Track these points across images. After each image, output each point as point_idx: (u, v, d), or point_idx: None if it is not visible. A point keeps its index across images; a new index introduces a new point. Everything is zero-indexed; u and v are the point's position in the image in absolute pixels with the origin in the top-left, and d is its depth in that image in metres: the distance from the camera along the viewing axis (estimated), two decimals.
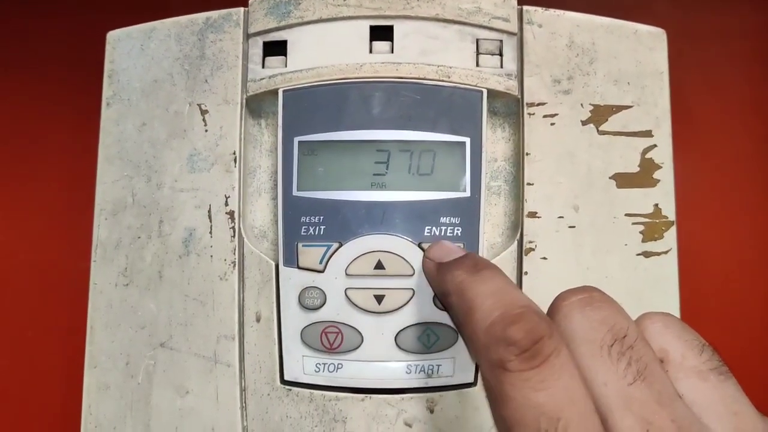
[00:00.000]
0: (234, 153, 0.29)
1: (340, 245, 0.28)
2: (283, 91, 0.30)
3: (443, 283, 0.24)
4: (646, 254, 0.29)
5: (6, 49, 0.45)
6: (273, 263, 0.29)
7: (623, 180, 0.29)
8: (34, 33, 0.45)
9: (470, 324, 0.21)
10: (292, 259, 0.28)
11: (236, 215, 0.29)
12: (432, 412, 0.28)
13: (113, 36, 0.31)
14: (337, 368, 0.28)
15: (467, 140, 0.29)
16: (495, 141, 0.31)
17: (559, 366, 0.18)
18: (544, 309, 0.21)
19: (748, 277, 0.44)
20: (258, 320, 0.28)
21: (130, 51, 0.31)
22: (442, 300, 0.25)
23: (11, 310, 0.43)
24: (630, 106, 0.30)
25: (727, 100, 0.47)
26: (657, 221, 0.29)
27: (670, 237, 0.29)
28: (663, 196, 0.30)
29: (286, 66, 0.30)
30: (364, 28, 0.30)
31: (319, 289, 0.28)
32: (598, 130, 0.30)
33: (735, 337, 0.43)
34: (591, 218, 0.29)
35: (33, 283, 0.42)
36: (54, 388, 0.42)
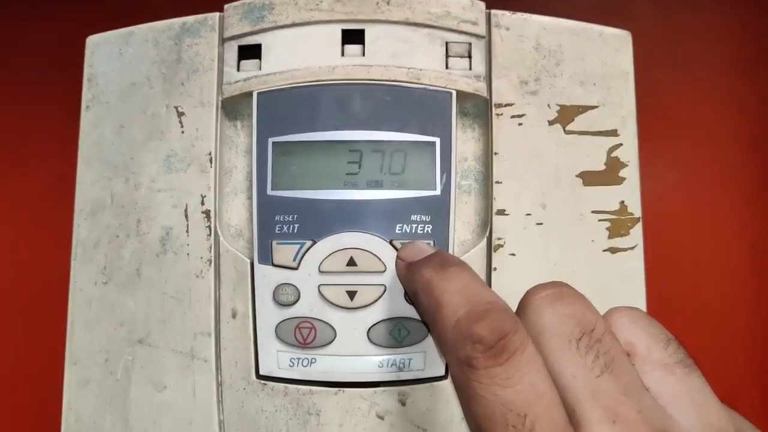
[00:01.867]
0: (210, 154, 0.30)
1: (314, 243, 0.29)
2: (258, 94, 0.30)
3: (412, 282, 0.24)
4: (613, 250, 0.30)
5: None
6: (248, 261, 0.29)
7: (590, 178, 0.30)
8: (17, 36, 0.46)
9: (438, 322, 0.21)
10: (266, 256, 0.29)
11: (212, 214, 0.30)
12: (404, 404, 0.28)
13: (92, 41, 0.32)
14: (311, 363, 0.28)
15: (437, 140, 0.30)
16: (465, 141, 0.31)
17: (525, 362, 0.19)
18: (514, 304, 0.22)
19: (713, 271, 0.45)
20: (234, 316, 0.29)
21: (109, 55, 0.32)
22: (412, 299, 0.25)
23: None
24: (596, 106, 0.31)
25: (704, 98, 0.48)
26: (623, 218, 0.30)
27: (636, 233, 0.30)
28: (629, 193, 0.30)
29: (260, 69, 0.31)
30: (336, 31, 0.31)
31: (293, 285, 0.29)
32: (564, 130, 0.30)
33: (700, 330, 0.44)
34: (558, 215, 0.30)
35: (14, 282, 0.43)
36: (35, 384, 0.42)
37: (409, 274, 0.25)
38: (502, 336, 0.19)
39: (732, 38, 0.48)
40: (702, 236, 0.46)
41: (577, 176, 0.30)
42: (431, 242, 0.29)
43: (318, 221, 0.29)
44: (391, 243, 0.29)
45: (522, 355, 0.19)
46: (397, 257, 0.27)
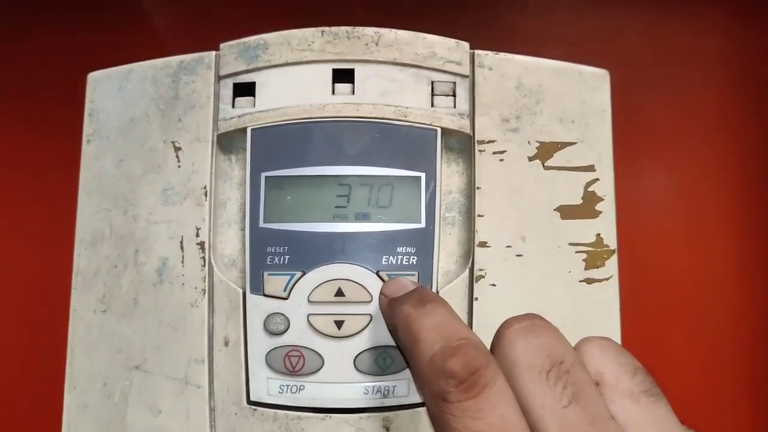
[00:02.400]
0: (205, 187, 0.32)
1: (304, 274, 0.30)
2: (252, 130, 0.32)
3: (392, 318, 0.25)
4: (589, 281, 0.31)
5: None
6: (240, 291, 0.31)
7: (567, 212, 0.32)
8: (22, 65, 0.48)
9: (414, 356, 0.22)
10: (258, 287, 0.30)
11: (206, 246, 0.31)
12: (388, 430, 0.30)
13: (93, 77, 0.34)
14: (300, 389, 0.30)
15: (423, 175, 0.31)
16: (450, 175, 0.33)
17: (495, 395, 0.20)
18: (493, 331, 0.23)
19: (691, 300, 0.47)
20: (226, 344, 0.30)
21: (109, 91, 0.33)
22: (392, 334, 0.26)
23: None
24: (574, 143, 0.32)
25: (692, 124, 0.50)
26: (599, 250, 0.32)
27: (612, 265, 0.32)
28: (605, 226, 0.32)
29: (254, 106, 0.32)
30: (327, 71, 0.32)
31: (283, 315, 0.30)
32: (543, 166, 0.32)
33: (674, 358, 0.45)
34: (537, 247, 0.31)
35: (14, 308, 0.44)
36: (36, 408, 0.43)
37: (390, 309, 0.26)
38: (473, 371, 0.20)
39: (716, 59, 0.50)
40: (682, 265, 0.47)
41: (555, 210, 0.32)
42: (416, 273, 0.30)
43: (308, 253, 0.31)
44: (377, 274, 0.30)
45: (492, 388, 0.20)
46: (381, 293, 0.28)
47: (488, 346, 0.23)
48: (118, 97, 0.33)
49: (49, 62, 0.47)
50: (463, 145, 0.33)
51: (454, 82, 0.32)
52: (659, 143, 0.49)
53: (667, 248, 0.47)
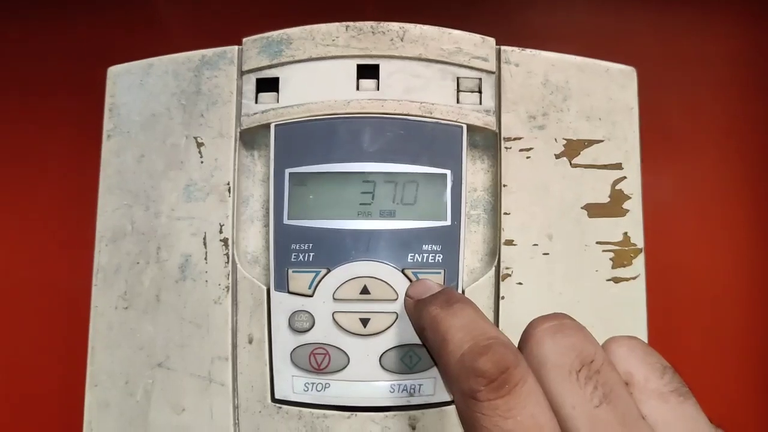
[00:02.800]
0: (228, 183, 0.31)
1: (328, 271, 0.30)
2: (275, 126, 0.31)
3: (419, 319, 0.25)
4: (616, 280, 0.31)
5: (18, 76, 0.47)
6: (264, 288, 0.30)
7: (594, 210, 0.31)
8: (38, 57, 0.47)
9: (443, 356, 0.22)
10: (282, 284, 0.30)
11: (230, 242, 0.31)
12: (414, 429, 0.29)
13: (113, 71, 0.33)
14: (325, 387, 0.29)
15: (448, 172, 0.31)
16: (475, 172, 0.33)
17: (526, 394, 0.20)
18: (520, 330, 0.23)
19: (715, 298, 0.46)
20: (250, 342, 0.30)
21: (130, 86, 0.33)
22: (419, 335, 0.26)
23: (13, 330, 0.44)
24: (601, 141, 0.32)
25: (704, 124, 0.49)
26: (626, 249, 0.31)
27: (639, 263, 0.31)
28: (632, 224, 0.32)
29: (278, 102, 0.32)
30: (351, 66, 0.32)
31: (308, 312, 0.30)
32: (570, 163, 0.32)
33: (701, 358, 0.45)
34: (564, 246, 0.31)
35: (34, 305, 0.44)
36: (53, 407, 0.43)
37: (417, 311, 0.26)
38: (503, 370, 0.20)
39: (736, 63, 0.50)
40: (706, 262, 0.47)
41: (582, 208, 0.31)
42: (442, 271, 0.30)
43: (332, 250, 0.30)
44: (403, 272, 0.30)
45: (523, 387, 0.20)
46: (406, 294, 0.28)
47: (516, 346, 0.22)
48: (138, 91, 0.33)
49: (63, 55, 0.47)
50: (488, 142, 0.32)
51: (480, 79, 0.32)
52: (671, 142, 0.48)
53: (684, 247, 0.47)
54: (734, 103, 0.49)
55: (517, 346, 0.22)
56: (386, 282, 0.30)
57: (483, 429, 0.19)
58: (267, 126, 0.31)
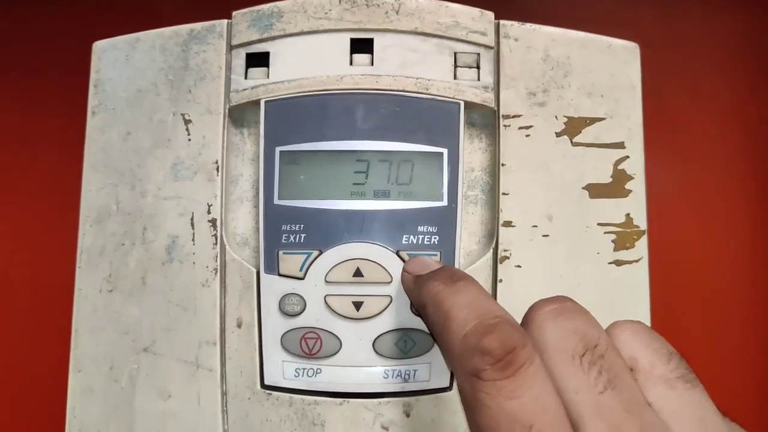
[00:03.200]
0: (216, 162, 0.30)
1: (320, 253, 0.29)
2: (266, 102, 0.30)
3: (420, 295, 0.24)
4: (618, 263, 0.30)
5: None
6: (254, 270, 0.29)
7: (596, 190, 0.30)
8: (22, 39, 0.46)
9: (446, 334, 0.21)
10: (272, 266, 0.29)
11: (218, 223, 0.30)
12: (408, 416, 0.28)
13: (99, 46, 0.32)
14: (316, 373, 0.28)
15: (445, 151, 0.30)
16: (472, 151, 0.31)
17: (532, 375, 0.19)
18: (519, 316, 0.22)
19: (719, 282, 0.46)
20: (239, 326, 0.29)
21: (116, 61, 0.32)
22: (419, 311, 0.25)
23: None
24: (603, 119, 0.31)
25: (707, 106, 0.48)
26: (628, 231, 0.30)
27: (641, 246, 0.30)
28: (635, 206, 0.30)
29: (268, 77, 0.31)
30: (344, 40, 0.30)
31: (299, 295, 0.29)
32: (572, 142, 0.30)
33: (705, 343, 0.44)
34: (564, 227, 0.30)
35: (19, 289, 0.43)
36: (39, 391, 0.42)
37: (417, 287, 0.25)
38: (510, 350, 0.19)
39: (739, 44, 0.48)
40: (708, 247, 0.46)
41: (583, 188, 0.30)
42: (438, 253, 0.29)
43: (325, 231, 0.29)
44: (397, 254, 0.29)
45: (529, 369, 0.19)
46: (404, 270, 0.27)
47: None
48: (124, 67, 0.31)
49: (47, 33, 0.46)
50: (486, 120, 0.31)
51: (478, 54, 0.31)
52: (672, 124, 0.47)
53: (686, 232, 0.46)
54: (738, 85, 0.48)
55: None
56: (380, 264, 0.29)
57: (486, 408, 0.19)
58: (257, 102, 0.30)
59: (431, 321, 0.23)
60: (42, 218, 0.44)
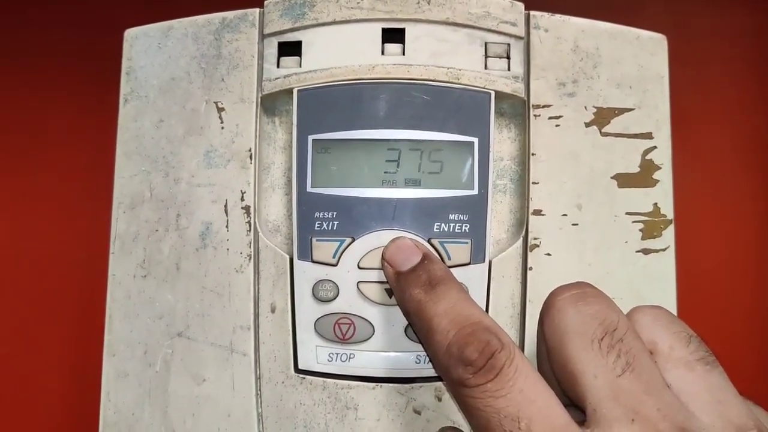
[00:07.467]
0: (249, 150, 0.30)
1: (353, 240, 0.29)
2: (298, 91, 0.30)
3: (403, 301, 0.26)
4: (645, 251, 0.30)
5: (27, 43, 0.46)
6: (287, 257, 0.30)
7: (624, 180, 0.31)
8: (54, 27, 0.46)
9: (431, 345, 0.23)
10: (306, 252, 0.29)
11: (251, 210, 0.30)
12: (440, 400, 0.29)
13: (131, 34, 0.32)
14: (350, 358, 0.29)
15: (475, 140, 0.30)
16: (501, 141, 0.32)
17: (512, 373, 0.20)
18: None
19: (742, 272, 0.46)
20: (273, 311, 0.29)
21: (148, 49, 0.32)
22: (405, 316, 0.26)
23: (22, 302, 0.44)
24: (632, 109, 0.31)
25: (723, 99, 0.48)
26: (656, 220, 0.31)
27: (669, 235, 0.31)
28: (662, 195, 0.31)
29: (300, 66, 0.31)
30: (376, 30, 0.31)
31: (332, 282, 0.29)
32: (600, 132, 0.31)
33: (729, 329, 0.45)
34: (593, 216, 0.30)
35: (45, 275, 0.43)
36: (73, 376, 0.42)
37: (400, 291, 0.26)
38: (489, 356, 0.20)
39: (752, 35, 0.49)
40: (731, 237, 0.46)
41: (612, 178, 0.31)
42: (469, 241, 0.29)
43: (357, 219, 0.29)
44: (429, 241, 0.29)
45: (509, 367, 0.20)
46: (384, 258, 0.27)
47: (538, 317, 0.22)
48: (157, 55, 0.32)
49: (78, 21, 0.46)
50: (515, 109, 0.32)
51: (509, 44, 0.31)
52: (680, 116, 0.48)
53: (704, 221, 0.46)
54: (747, 78, 0.48)
55: (539, 314, 0.22)
56: None
57: (475, 410, 0.20)
58: (289, 91, 0.31)
59: (416, 328, 0.25)
60: (75, 206, 0.44)
